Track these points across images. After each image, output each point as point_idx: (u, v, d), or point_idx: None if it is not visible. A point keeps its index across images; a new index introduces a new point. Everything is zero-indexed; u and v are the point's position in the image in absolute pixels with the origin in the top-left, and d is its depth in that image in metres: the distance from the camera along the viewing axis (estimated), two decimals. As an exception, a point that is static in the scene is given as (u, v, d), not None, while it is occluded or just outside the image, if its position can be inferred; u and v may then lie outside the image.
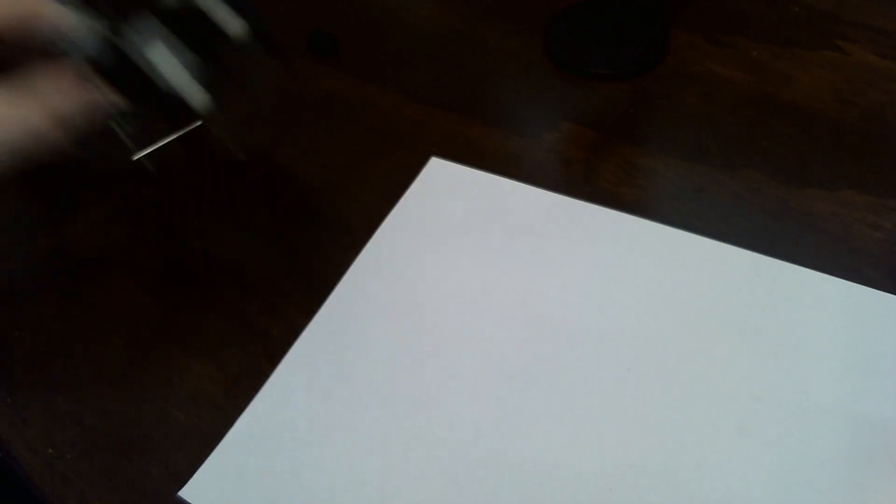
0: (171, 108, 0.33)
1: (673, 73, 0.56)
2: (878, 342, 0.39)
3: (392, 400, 0.39)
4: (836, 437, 0.36)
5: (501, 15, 0.62)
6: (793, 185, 0.48)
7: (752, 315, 0.41)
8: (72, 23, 0.33)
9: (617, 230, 0.45)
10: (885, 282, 0.42)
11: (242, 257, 0.47)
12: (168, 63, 0.32)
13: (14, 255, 0.48)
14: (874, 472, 0.35)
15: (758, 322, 0.40)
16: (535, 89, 0.56)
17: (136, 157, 0.53)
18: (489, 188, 0.48)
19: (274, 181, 0.51)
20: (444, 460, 0.36)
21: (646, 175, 0.49)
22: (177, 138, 0.55)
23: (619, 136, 0.52)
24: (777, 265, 0.43)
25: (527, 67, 0.58)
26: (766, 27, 0.59)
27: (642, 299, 0.41)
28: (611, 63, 0.56)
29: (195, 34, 0.33)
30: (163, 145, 0.54)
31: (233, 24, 0.34)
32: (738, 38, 0.58)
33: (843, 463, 0.35)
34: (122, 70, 0.32)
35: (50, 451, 0.38)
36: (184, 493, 0.35)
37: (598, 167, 0.50)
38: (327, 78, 0.58)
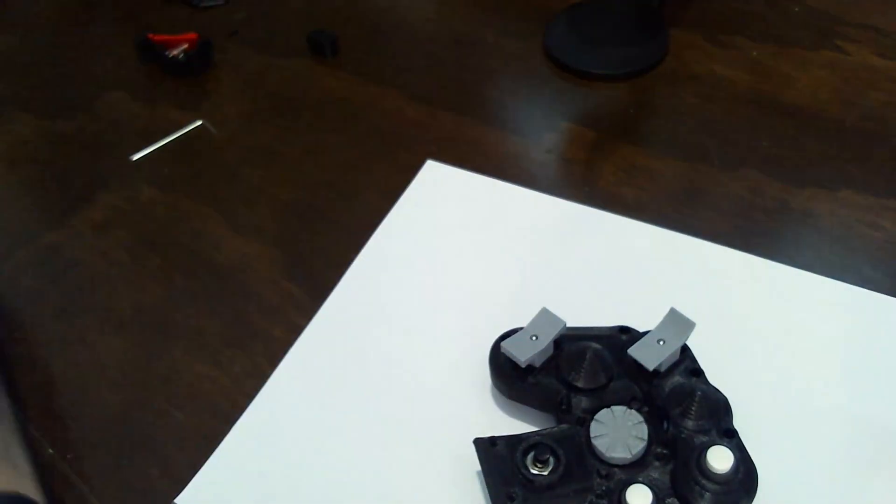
0: None
1: (673, 73, 0.56)
2: (878, 345, 0.39)
3: (391, 400, 0.39)
4: (836, 440, 0.36)
5: (501, 15, 0.62)
6: (793, 185, 0.48)
7: (753, 319, 0.41)
8: None
9: (611, 232, 0.45)
10: (884, 281, 0.42)
11: (242, 257, 0.47)
12: None
13: (14, 255, 0.48)
14: (874, 475, 0.35)
15: (758, 325, 0.40)
16: (535, 89, 0.56)
17: (135, 158, 0.53)
18: (483, 190, 0.48)
19: (274, 181, 0.51)
20: (442, 460, 0.36)
21: (646, 175, 0.49)
22: (176, 138, 0.55)
23: (619, 136, 0.52)
24: (776, 268, 0.43)
25: (527, 67, 0.58)
26: (766, 27, 0.59)
27: (642, 304, 0.41)
28: (611, 63, 0.56)
29: None
30: (162, 145, 0.54)
31: None
32: (738, 38, 0.58)
33: (843, 465, 0.35)
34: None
35: (50, 451, 0.38)
36: (180, 499, 0.35)
37: (598, 167, 0.50)
38: (327, 78, 0.58)
